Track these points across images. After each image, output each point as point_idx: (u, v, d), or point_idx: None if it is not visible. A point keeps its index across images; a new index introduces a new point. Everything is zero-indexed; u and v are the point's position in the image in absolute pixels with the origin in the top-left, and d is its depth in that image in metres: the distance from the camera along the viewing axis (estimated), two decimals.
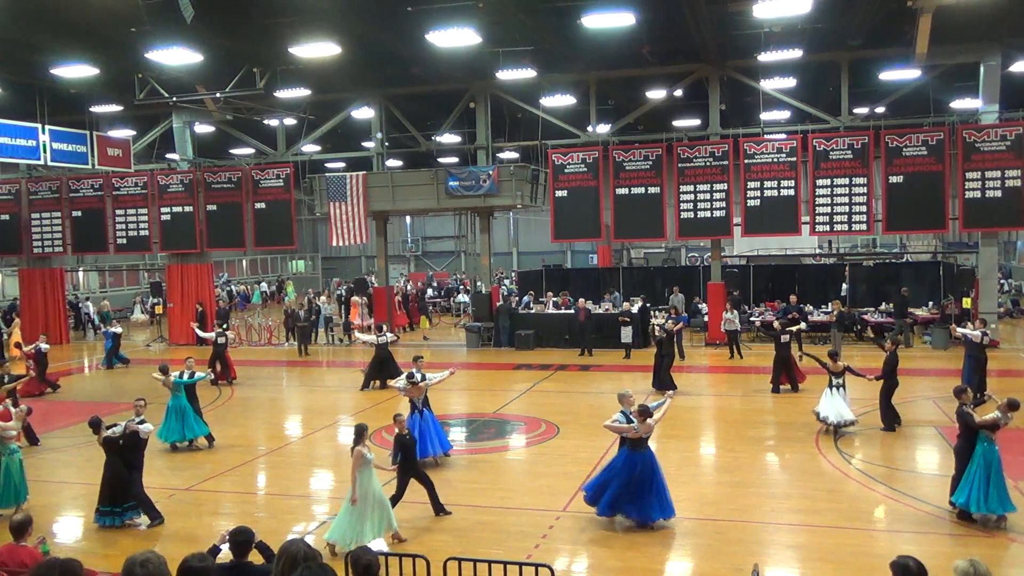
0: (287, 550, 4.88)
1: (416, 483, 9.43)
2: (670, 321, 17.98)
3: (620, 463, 9.24)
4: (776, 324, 16.87)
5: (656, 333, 17.46)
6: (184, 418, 13.14)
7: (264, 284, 45.59)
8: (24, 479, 10.40)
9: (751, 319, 22.32)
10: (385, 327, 19.91)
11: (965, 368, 14.91)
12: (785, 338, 16.14)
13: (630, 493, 9.01)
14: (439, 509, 9.57)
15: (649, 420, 9.09)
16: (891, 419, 13.07)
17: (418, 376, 11.81)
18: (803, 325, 18.71)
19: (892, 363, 13.07)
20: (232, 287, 42.79)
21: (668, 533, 9.13)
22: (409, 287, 34.90)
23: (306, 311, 25.08)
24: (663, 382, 16.27)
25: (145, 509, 9.71)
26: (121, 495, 9.63)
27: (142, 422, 10.04)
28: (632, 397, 9.72)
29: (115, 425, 9.98)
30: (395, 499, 9.18)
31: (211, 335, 19.60)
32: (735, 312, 20.98)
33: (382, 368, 18.00)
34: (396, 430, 9.50)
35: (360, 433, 8.78)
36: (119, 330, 23.49)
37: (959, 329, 15.58)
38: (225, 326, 24.58)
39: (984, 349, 14.84)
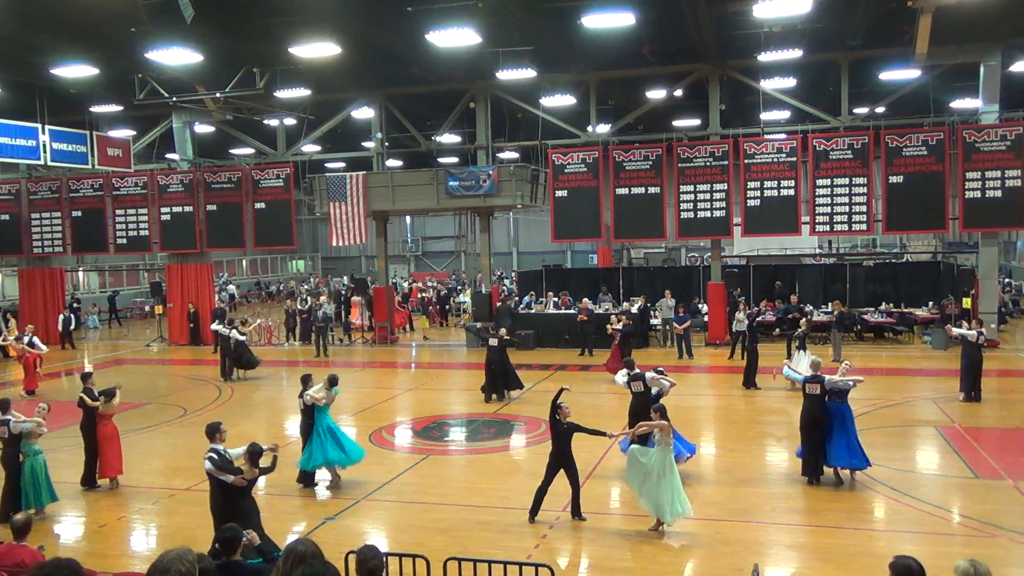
0: (294, 549, 4.91)
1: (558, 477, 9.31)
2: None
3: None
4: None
5: (611, 329, 18.70)
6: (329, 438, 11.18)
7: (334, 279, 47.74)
8: (49, 481, 10.03)
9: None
10: (245, 326, 20.68)
11: (962, 367, 15.01)
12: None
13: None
14: (576, 512, 9.31)
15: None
16: None
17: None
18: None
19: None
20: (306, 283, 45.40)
21: (668, 533, 9.13)
22: (413, 287, 34.90)
23: (322, 311, 25.13)
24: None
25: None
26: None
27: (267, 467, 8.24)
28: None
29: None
30: (540, 490, 9.15)
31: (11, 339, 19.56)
32: (745, 313, 20.94)
33: (235, 357, 19.79)
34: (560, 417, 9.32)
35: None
36: None
37: (955, 329, 15.72)
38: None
39: (980, 348, 14.88)
